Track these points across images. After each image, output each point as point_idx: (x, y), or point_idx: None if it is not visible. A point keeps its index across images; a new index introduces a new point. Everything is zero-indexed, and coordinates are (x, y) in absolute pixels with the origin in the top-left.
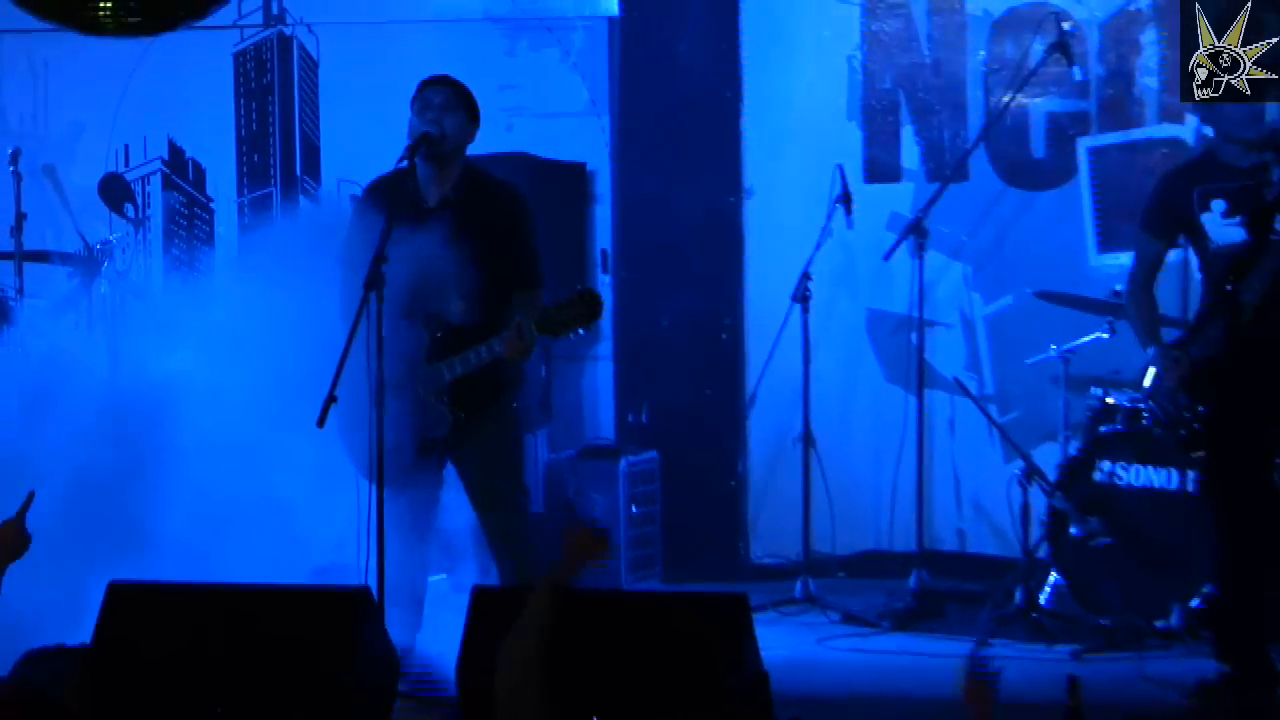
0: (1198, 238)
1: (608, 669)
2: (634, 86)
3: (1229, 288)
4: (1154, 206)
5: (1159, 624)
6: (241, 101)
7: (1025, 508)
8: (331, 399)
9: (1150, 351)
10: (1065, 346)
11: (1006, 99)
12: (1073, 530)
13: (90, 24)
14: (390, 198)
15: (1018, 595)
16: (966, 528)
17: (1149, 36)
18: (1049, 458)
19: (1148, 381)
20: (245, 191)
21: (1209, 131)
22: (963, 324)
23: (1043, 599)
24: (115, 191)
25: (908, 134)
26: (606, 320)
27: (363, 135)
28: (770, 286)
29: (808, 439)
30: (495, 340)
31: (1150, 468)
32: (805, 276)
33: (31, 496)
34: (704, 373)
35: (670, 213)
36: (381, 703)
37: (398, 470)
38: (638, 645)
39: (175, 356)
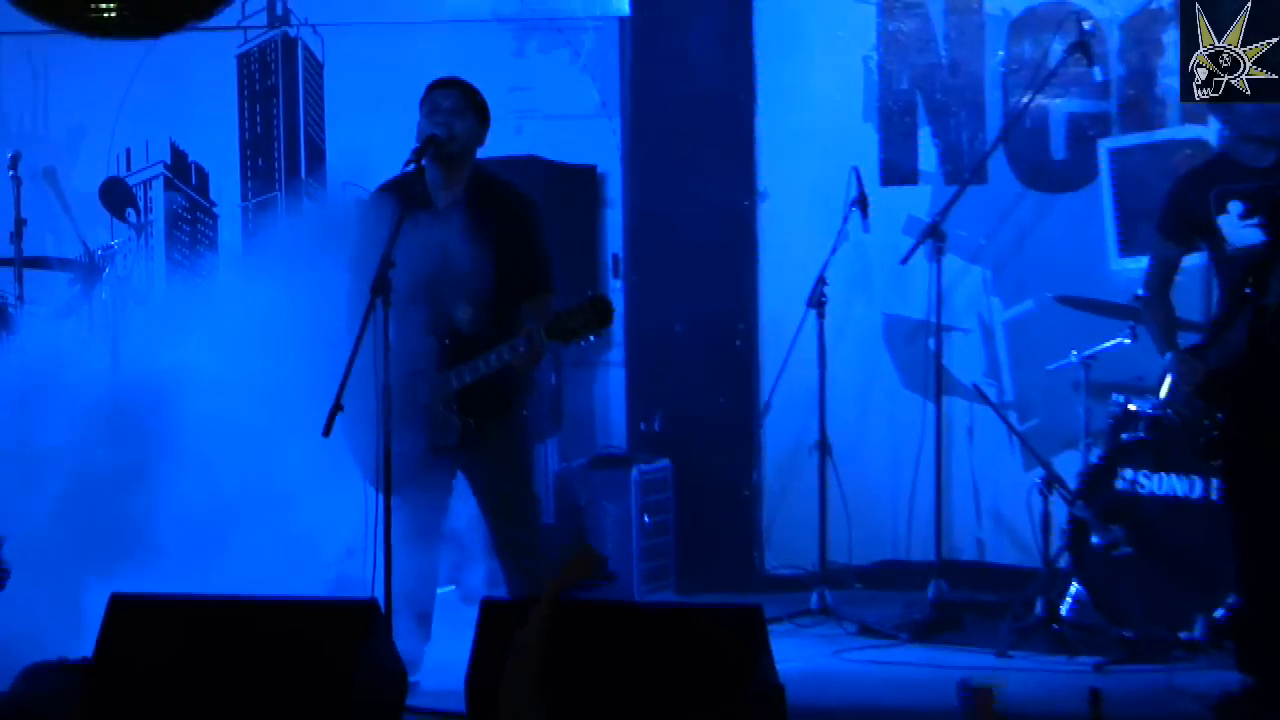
0: (1214, 240)
1: (621, 683)
2: (646, 88)
3: (1248, 290)
4: (1169, 209)
5: (1183, 635)
6: (245, 104)
7: (1046, 517)
8: (338, 407)
9: (1167, 357)
10: (1086, 352)
11: (1026, 100)
12: (1094, 540)
13: (91, 25)
14: (398, 201)
15: (1038, 606)
16: (986, 537)
17: (1170, 36)
18: (1070, 466)
19: (1164, 390)
20: (249, 196)
21: (1230, 133)
22: (981, 329)
23: (1064, 610)
24: (117, 196)
25: (925, 136)
26: (618, 326)
27: (369, 139)
28: (785, 291)
29: (823, 447)
30: (505, 347)
31: (1173, 475)
32: (820, 281)
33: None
34: (717, 379)
35: (683, 216)
36: (388, 717)
37: (406, 479)
38: (651, 658)
39: (177, 362)
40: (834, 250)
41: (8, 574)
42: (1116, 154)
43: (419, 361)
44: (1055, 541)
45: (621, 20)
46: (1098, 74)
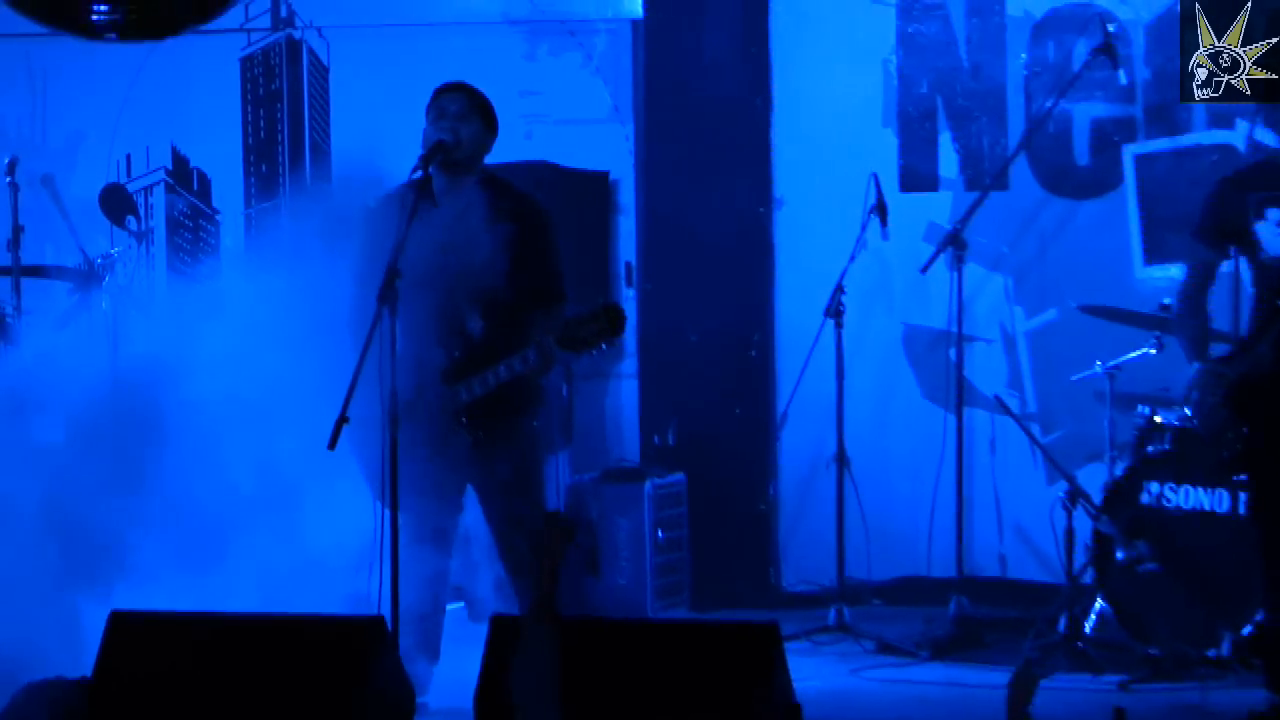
0: (1250, 248)
1: (635, 701)
2: (659, 92)
3: (1279, 303)
4: (1208, 213)
5: (1209, 652)
6: (249, 109)
7: (1069, 531)
8: (343, 419)
9: (1193, 368)
10: (1111, 363)
11: (1048, 104)
12: (1119, 554)
13: (90, 28)
14: (404, 209)
15: (1061, 623)
16: (1008, 552)
17: None
18: (1094, 479)
19: (1188, 402)
20: (253, 203)
21: (1262, 138)
22: (1003, 339)
23: (1088, 627)
24: (117, 203)
25: (945, 141)
26: (630, 336)
27: (376, 144)
28: (802, 300)
29: (841, 460)
30: (516, 359)
31: (1200, 489)
32: (838, 290)
33: None
34: (733, 391)
35: (697, 223)
36: None
37: (414, 492)
38: (665, 676)
39: (178, 372)
40: (852, 258)
41: None
42: (1142, 159)
43: (428, 373)
44: (1079, 557)
45: (634, 22)
46: (1122, 77)
